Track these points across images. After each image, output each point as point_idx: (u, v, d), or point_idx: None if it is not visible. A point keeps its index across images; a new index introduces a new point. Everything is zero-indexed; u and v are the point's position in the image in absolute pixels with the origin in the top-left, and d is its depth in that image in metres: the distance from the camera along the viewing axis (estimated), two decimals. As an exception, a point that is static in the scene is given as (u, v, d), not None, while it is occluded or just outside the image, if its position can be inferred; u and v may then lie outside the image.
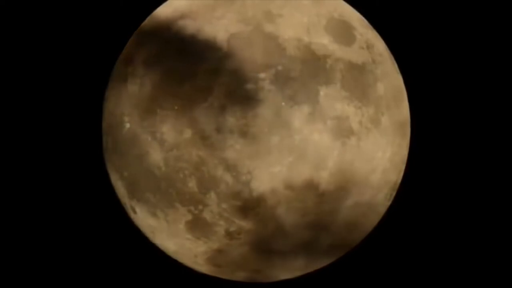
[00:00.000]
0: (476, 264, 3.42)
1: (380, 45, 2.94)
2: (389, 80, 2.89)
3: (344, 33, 2.80)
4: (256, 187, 2.62)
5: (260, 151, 2.59)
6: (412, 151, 3.05)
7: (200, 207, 2.70)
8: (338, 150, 2.65)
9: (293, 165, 2.60)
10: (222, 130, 2.59)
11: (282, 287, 3.14)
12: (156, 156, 2.70)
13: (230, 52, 2.63)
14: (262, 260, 2.87)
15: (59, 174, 3.43)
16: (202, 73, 2.62)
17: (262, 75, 2.59)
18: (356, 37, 2.82)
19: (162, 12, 2.89)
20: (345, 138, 2.66)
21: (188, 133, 2.63)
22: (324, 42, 2.70)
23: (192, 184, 2.67)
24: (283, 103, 2.59)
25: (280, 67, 2.61)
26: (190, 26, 2.72)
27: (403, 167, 3.02)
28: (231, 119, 2.58)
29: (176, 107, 2.64)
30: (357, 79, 2.73)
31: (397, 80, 2.98)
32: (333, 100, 2.65)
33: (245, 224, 2.71)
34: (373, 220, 3.01)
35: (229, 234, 2.75)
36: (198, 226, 2.76)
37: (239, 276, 3.00)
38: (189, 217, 2.74)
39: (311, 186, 2.65)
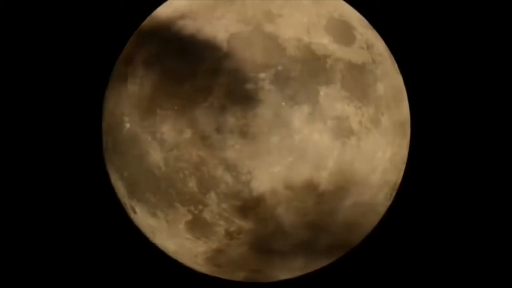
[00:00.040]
0: (476, 264, 3.42)
1: (380, 45, 2.94)
2: (389, 80, 2.89)
3: (344, 33, 2.80)
4: (256, 187, 2.62)
5: (260, 151, 2.59)
6: (412, 151, 3.05)
7: (200, 207, 2.70)
8: (338, 150, 2.65)
9: (293, 165, 2.60)
10: (222, 130, 2.59)
11: (282, 287, 3.15)
12: (156, 156, 2.70)
13: (230, 52, 2.63)
14: (262, 260, 2.87)
15: (59, 174, 3.43)
16: (202, 73, 2.62)
17: (262, 75, 2.59)
18: (356, 37, 2.82)
19: (162, 12, 2.89)
20: (345, 138, 2.66)
21: (188, 133, 2.63)
22: (324, 42, 2.70)
23: (192, 184, 2.67)
24: (283, 103, 2.59)
25: (280, 67, 2.61)
26: (190, 26, 2.72)
27: (403, 167, 3.02)
28: (231, 119, 2.58)
29: (176, 107, 2.64)
30: (357, 79, 2.73)
31: (397, 80, 2.98)
32: (333, 100, 2.65)
33: (245, 224, 2.71)
34: (373, 220, 3.01)
35: (229, 234, 2.75)
36: (198, 226, 2.76)
37: (239, 276, 3.00)
38: (189, 217, 2.74)
39: (311, 186, 2.65)
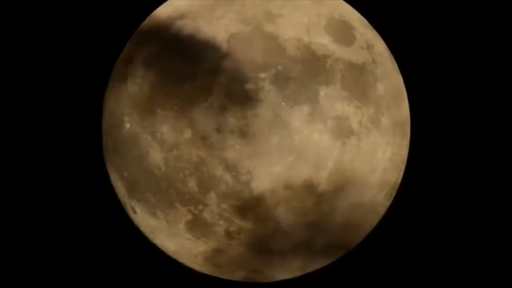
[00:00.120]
0: (476, 264, 3.42)
1: (380, 45, 2.94)
2: (389, 80, 2.89)
3: (344, 33, 2.80)
4: (256, 187, 2.62)
5: (260, 151, 2.59)
6: (412, 151, 3.05)
7: (200, 207, 2.70)
8: (338, 150, 2.65)
9: (293, 165, 2.60)
10: (222, 130, 2.59)
11: (282, 287, 3.15)
12: (156, 156, 2.70)
13: (230, 52, 2.63)
14: (262, 260, 2.87)
15: (59, 174, 3.43)
16: (202, 73, 2.62)
17: (262, 75, 2.59)
18: (356, 37, 2.82)
19: (162, 12, 2.89)
20: (345, 138, 2.66)
21: (188, 133, 2.63)
22: (324, 42, 2.70)
23: (192, 184, 2.67)
24: (283, 103, 2.59)
25: (280, 67, 2.61)
26: (190, 26, 2.72)
27: (403, 167, 3.01)
28: (231, 119, 2.58)
29: (176, 107, 2.64)
30: (357, 79, 2.73)
31: (397, 80, 2.98)
32: (333, 100, 2.65)
33: (245, 224, 2.71)
34: (373, 220, 3.01)
35: (229, 234, 2.75)
36: (198, 226, 2.76)
37: (239, 276, 3.00)
38: (189, 217, 2.74)
39: (311, 186, 2.65)
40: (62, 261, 3.42)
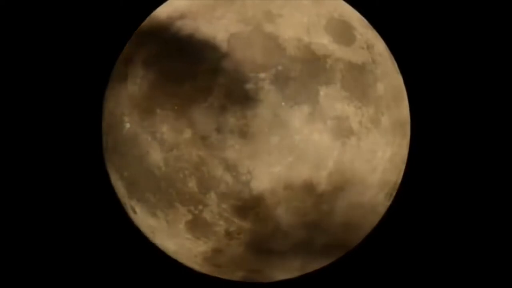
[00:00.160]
0: (476, 264, 3.42)
1: (380, 45, 2.94)
2: (389, 80, 2.89)
3: (344, 33, 2.80)
4: (256, 187, 2.62)
5: (260, 151, 2.59)
6: (412, 151, 3.05)
7: (200, 207, 2.70)
8: (338, 150, 2.65)
9: (293, 165, 2.60)
10: (222, 130, 2.59)
11: (282, 287, 3.15)
12: (156, 156, 2.70)
13: (230, 52, 2.63)
14: (262, 260, 2.87)
15: (59, 174, 3.43)
16: (202, 73, 2.62)
17: (262, 75, 2.59)
18: (356, 37, 2.82)
19: (162, 12, 2.89)
20: (345, 138, 2.66)
21: (188, 133, 2.63)
22: (324, 42, 2.70)
23: (192, 184, 2.67)
24: (283, 103, 2.59)
25: (280, 67, 2.61)
26: (190, 26, 2.72)
27: (403, 167, 3.01)
28: (231, 119, 2.58)
29: (176, 107, 2.64)
30: (357, 79, 2.73)
31: (397, 80, 2.98)
32: (333, 100, 2.65)
33: (245, 224, 2.71)
34: (373, 220, 3.01)
35: (229, 234, 2.74)
36: (198, 226, 2.76)
37: (239, 276, 3.00)
38: (189, 217, 2.74)
39: (311, 186, 2.65)
40: (62, 261, 3.42)
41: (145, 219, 2.90)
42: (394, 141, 2.85)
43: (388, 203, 3.02)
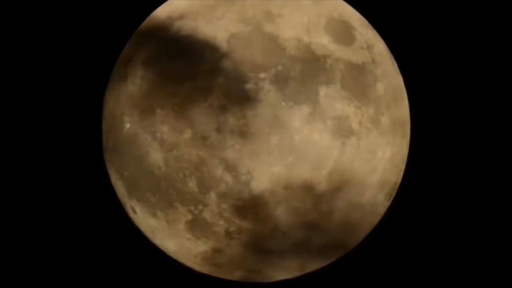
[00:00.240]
0: (476, 264, 3.42)
1: (380, 45, 2.94)
2: (389, 80, 2.89)
3: (344, 33, 2.80)
4: (256, 187, 2.62)
5: (260, 151, 2.59)
6: (412, 151, 3.05)
7: (200, 207, 2.70)
8: (338, 150, 2.65)
9: (293, 165, 2.60)
10: (222, 130, 2.59)
11: (282, 287, 3.15)
12: (156, 156, 2.70)
13: (230, 52, 2.63)
14: (262, 260, 2.87)
15: (59, 174, 3.43)
16: (202, 73, 2.62)
17: (262, 75, 2.59)
18: (356, 37, 2.82)
19: (162, 12, 2.89)
20: (345, 138, 2.66)
21: (188, 133, 2.63)
22: (324, 42, 2.70)
23: (192, 184, 2.67)
24: (283, 103, 2.59)
25: (280, 67, 2.61)
26: (190, 26, 2.72)
27: (403, 167, 3.01)
28: (231, 119, 2.58)
29: (176, 107, 2.64)
30: (357, 79, 2.73)
31: (397, 80, 2.98)
32: (333, 100, 2.65)
33: (245, 224, 2.71)
34: (373, 220, 3.01)
35: (229, 234, 2.74)
36: (198, 226, 2.76)
37: (239, 276, 3.00)
38: (189, 217, 2.74)
39: (310, 186, 2.65)
40: (62, 261, 3.42)
41: (145, 219, 2.90)
42: (394, 141, 2.85)
43: (388, 203, 3.02)
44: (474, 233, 3.45)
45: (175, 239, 2.87)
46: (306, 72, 2.63)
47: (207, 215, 2.71)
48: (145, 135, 2.71)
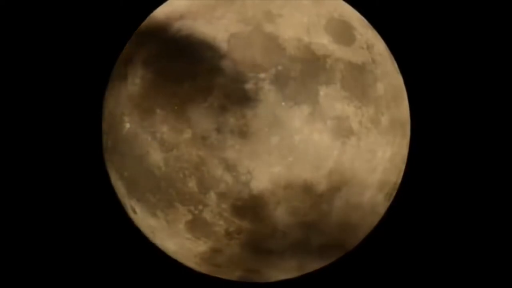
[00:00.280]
0: (476, 264, 3.42)
1: (380, 45, 2.94)
2: (389, 80, 2.89)
3: (344, 33, 2.80)
4: (256, 187, 2.62)
5: (260, 151, 2.59)
6: (412, 151, 3.05)
7: (200, 207, 2.70)
8: (338, 150, 2.65)
9: (293, 165, 2.60)
10: (222, 130, 2.59)
11: (283, 287, 3.15)
12: (156, 156, 2.70)
13: (230, 52, 2.63)
14: (261, 260, 2.86)
15: (59, 174, 3.43)
16: (202, 73, 2.62)
17: (262, 75, 2.59)
18: (356, 37, 2.82)
19: (162, 12, 2.89)
20: (345, 138, 2.66)
21: (188, 133, 2.63)
22: (324, 42, 2.70)
23: (192, 184, 2.67)
24: (283, 103, 2.59)
25: (280, 67, 2.61)
26: (190, 26, 2.72)
27: (403, 167, 3.01)
28: (231, 119, 2.58)
29: (176, 107, 2.64)
30: (357, 79, 2.73)
31: (397, 80, 2.98)
32: (333, 100, 2.65)
33: (245, 224, 2.71)
34: (373, 220, 3.01)
35: (228, 234, 2.75)
36: (198, 226, 2.76)
37: (239, 276, 3.00)
38: (189, 217, 2.74)
39: (310, 186, 2.65)
40: (62, 261, 3.42)
41: (145, 219, 2.90)
42: (394, 141, 2.85)
43: (387, 203, 3.02)
44: (474, 233, 3.45)
45: (175, 239, 2.87)
46: (306, 72, 2.63)
47: (207, 215, 2.71)
48: (145, 135, 2.71)
